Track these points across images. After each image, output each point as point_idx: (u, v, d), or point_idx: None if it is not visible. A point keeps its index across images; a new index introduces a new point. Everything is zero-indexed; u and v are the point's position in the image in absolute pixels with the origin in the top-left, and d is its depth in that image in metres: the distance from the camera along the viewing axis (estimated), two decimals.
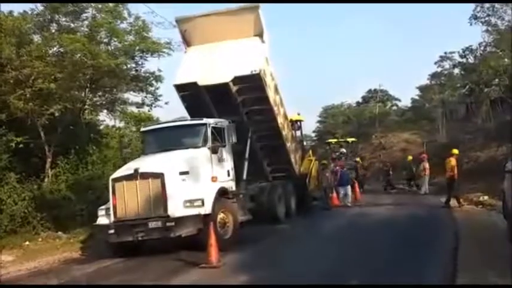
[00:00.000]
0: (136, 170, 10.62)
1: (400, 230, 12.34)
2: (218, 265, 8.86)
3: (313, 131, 54.42)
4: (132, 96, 18.29)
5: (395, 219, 14.57)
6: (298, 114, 18.06)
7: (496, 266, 7.50)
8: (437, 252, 9.12)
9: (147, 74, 17.32)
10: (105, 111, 19.38)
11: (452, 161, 16.27)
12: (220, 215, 10.84)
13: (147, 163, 11.27)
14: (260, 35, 13.52)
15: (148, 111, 19.72)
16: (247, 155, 13.35)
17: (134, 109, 20.03)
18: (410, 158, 25.98)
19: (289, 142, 15.31)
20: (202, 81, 12.83)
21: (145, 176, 10.54)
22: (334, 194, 19.20)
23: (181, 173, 10.80)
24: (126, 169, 11.12)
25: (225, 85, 12.73)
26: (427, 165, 21.92)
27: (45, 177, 15.31)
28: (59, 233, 13.75)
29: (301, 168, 16.75)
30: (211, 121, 12.12)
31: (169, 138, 12.19)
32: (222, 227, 10.76)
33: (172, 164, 10.98)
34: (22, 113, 14.36)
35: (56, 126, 15.59)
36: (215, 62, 13.21)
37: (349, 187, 19.27)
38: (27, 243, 12.83)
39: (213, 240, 9.06)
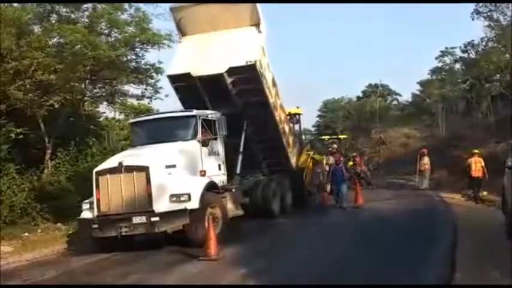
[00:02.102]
0: (120, 163, 10.36)
1: (398, 225, 12.34)
2: (217, 258, 8.87)
3: (313, 125, 54.50)
4: (132, 89, 18.23)
5: (393, 214, 14.57)
6: (297, 108, 17.86)
7: (493, 262, 7.51)
8: (436, 249, 9.14)
9: (148, 66, 17.23)
10: (105, 103, 19.32)
11: (482, 162, 16.57)
12: (209, 210, 10.55)
13: (132, 156, 11.03)
14: (257, 24, 13.24)
15: (148, 103, 19.66)
16: (241, 149, 13.12)
17: (134, 101, 19.96)
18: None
19: (286, 135, 15.04)
20: (196, 71, 12.60)
21: (129, 169, 10.28)
22: (326, 193, 17.24)
23: (168, 167, 10.53)
24: (111, 162, 10.86)
25: (219, 76, 12.50)
26: (427, 160, 21.91)
27: (45, 169, 15.30)
28: (59, 224, 13.74)
29: (299, 163, 16.49)
30: (201, 113, 11.85)
31: (158, 131, 11.95)
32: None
33: (158, 157, 10.73)
34: (22, 104, 14.31)
35: (55, 118, 15.55)
36: (210, 52, 12.96)
37: (344, 186, 16.48)
38: (26, 234, 12.82)
39: (212, 233, 9.06)
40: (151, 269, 8.89)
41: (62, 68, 14.53)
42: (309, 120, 53.31)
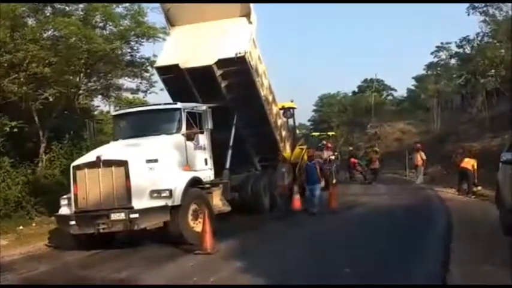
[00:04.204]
0: (98, 157, 9.98)
1: (392, 219, 12.38)
2: (213, 252, 8.87)
3: (309, 120, 54.62)
4: (127, 82, 18.21)
5: (386, 208, 14.62)
6: (291, 101, 17.64)
7: (488, 256, 7.54)
8: (430, 244, 9.18)
9: (143, 60, 17.19)
10: (99, 96, 19.31)
11: (475, 164, 16.67)
12: (193, 207, 10.21)
13: (112, 150, 10.71)
14: (247, 15, 12.97)
15: (143, 97, 19.62)
16: (231, 143, 12.85)
17: (129, 95, 19.92)
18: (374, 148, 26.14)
19: (278, 130, 14.75)
20: (185, 63, 12.31)
21: (108, 163, 9.88)
22: (297, 195, 14.27)
23: (149, 161, 10.13)
24: (89, 156, 10.51)
25: (208, 68, 12.22)
26: (423, 155, 21.97)
27: (39, 162, 15.24)
28: (53, 218, 13.66)
29: (292, 157, 16.00)
30: (186, 106, 11.42)
31: (141, 124, 11.61)
32: (195, 219, 10.16)
33: (138, 151, 10.37)
34: (16, 97, 14.24)
35: (50, 111, 15.48)
36: (199, 44, 12.70)
37: (317, 186, 14.06)
38: (20, 227, 12.79)
39: (207, 227, 9.03)
40: (147, 263, 8.86)
41: (57, 61, 14.44)
42: (304, 115, 53.46)
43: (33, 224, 13.27)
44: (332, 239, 10.32)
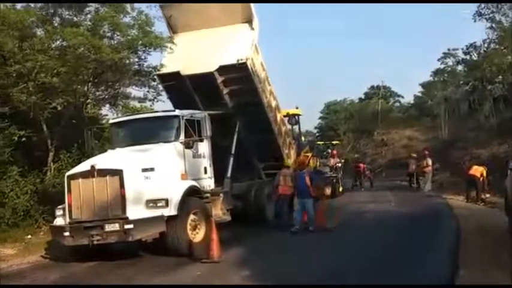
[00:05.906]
0: (92, 166, 9.74)
1: (400, 226, 12.33)
2: (219, 260, 8.87)
3: (315, 127, 54.55)
4: (135, 91, 18.24)
5: (393, 215, 14.57)
6: (297, 108, 17.50)
7: (496, 262, 7.50)
8: (439, 249, 9.13)
9: (150, 69, 17.25)
10: (107, 105, 19.35)
11: (484, 171, 16.81)
12: (191, 217, 10.00)
13: (107, 158, 10.49)
14: (249, 21, 12.87)
15: (151, 105, 19.67)
16: (233, 150, 12.63)
17: (136, 103, 19.99)
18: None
19: (282, 137, 14.55)
20: (186, 70, 12.25)
21: (102, 172, 9.63)
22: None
23: (145, 170, 9.87)
24: (84, 165, 10.24)
25: (209, 75, 12.12)
26: (430, 161, 21.85)
27: (48, 171, 15.30)
28: None
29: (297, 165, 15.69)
30: (185, 113, 11.14)
31: (140, 132, 11.41)
32: (193, 230, 9.99)
33: (134, 160, 10.12)
34: (25, 107, 14.35)
35: (58, 120, 15.57)
36: (200, 50, 12.61)
37: (309, 201, 12.34)
38: (29, 236, 12.83)
39: (214, 235, 9.04)
40: (155, 271, 8.88)
41: (65, 70, 14.53)
42: (311, 122, 53.46)
43: (41, 233, 13.28)
44: (337, 246, 10.30)
